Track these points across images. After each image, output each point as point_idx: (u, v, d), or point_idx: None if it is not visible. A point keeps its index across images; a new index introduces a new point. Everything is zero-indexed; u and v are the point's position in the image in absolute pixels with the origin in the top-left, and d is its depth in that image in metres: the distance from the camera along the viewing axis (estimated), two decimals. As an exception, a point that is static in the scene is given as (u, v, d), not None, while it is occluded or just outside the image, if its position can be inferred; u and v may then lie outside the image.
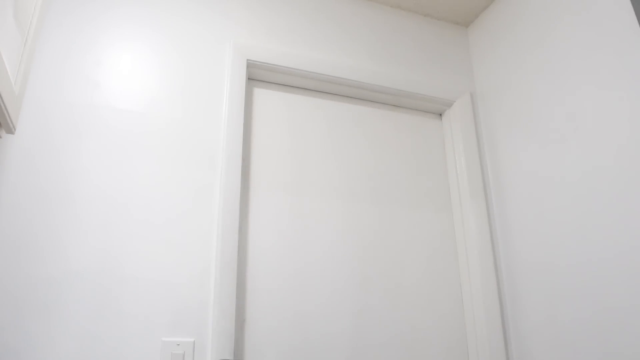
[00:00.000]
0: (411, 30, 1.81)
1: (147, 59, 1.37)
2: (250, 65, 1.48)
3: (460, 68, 1.82)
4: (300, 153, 1.50)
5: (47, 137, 1.19)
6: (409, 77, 1.70)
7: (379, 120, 1.67)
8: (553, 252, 1.38)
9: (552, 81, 1.46)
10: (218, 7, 1.51)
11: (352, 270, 1.43)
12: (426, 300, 1.50)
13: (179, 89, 1.37)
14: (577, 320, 1.27)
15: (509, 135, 1.61)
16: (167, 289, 1.18)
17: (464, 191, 1.62)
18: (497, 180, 1.63)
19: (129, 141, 1.27)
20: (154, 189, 1.25)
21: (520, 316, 1.46)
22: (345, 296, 1.40)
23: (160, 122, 1.32)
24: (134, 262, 1.17)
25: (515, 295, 1.49)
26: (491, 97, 1.72)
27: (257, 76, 1.53)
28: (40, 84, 1.22)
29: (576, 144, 1.35)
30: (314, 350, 1.30)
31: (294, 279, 1.35)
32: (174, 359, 1.13)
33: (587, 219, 1.28)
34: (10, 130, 1.00)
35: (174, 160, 1.30)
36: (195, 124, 1.36)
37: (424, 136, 1.73)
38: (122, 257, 1.17)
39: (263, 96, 1.53)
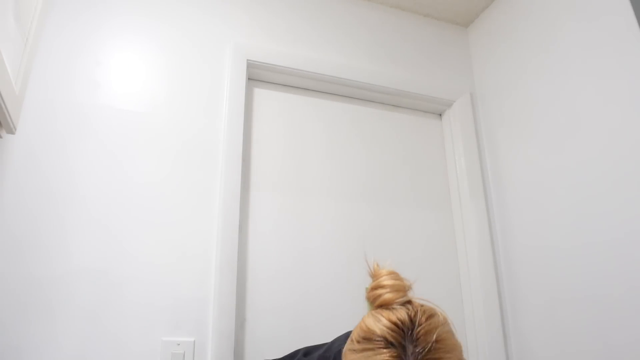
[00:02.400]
0: (411, 30, 1.81)
1: (148, 59, 1.37)
2: (250, 65, 1.48)
3: (460, 68, 1.82)
4: (300, 153, 1.50)
5: (47, 138, 1.19)
6: (409, 77, 1.70)
7: (379, 121, 1.67)
8: (553, 252, 1.38)
9: (552, 81, 1.46)
10: (218, 7, 1.51)
11: (352, 270, 1.43)
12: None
13: (179, 89, 1.37)
14: (577, 319, 1.27)
15: (509, 136, 1.61)
16: (167, 289, 1.18)
17: (464, 191, 1.62)
18: (497, 180, 1.63)
19: (130, 141, 1.27)
20: (154, 188, 1.25)
21: (520, 316, 1.46)
22: (346, 296, 1.40)
23: (160, 122, 1.32)
24: (135, 262, 1.17)
25: (515, 295, 1.49)
26: (491, 97, 1.72)
27: (257, 76, 1.53)
28: (41, 84, 1.22)
29: (576, 144, 1.35)
30: (314, 350, 1.31)
31: (294, 279, 1.35)
32: (174, 358, 1.13)
33: (587, 219, 1.28)
34: (11, 130, 1.01)
35: (174, 160, 1.30)
36: (196, 124, 1.36)
37: (424, 136, 1.73)
38: (123, 257, 1.17)
39: (263, 96, 1.53)
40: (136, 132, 1.28)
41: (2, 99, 0.87)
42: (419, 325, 0.57)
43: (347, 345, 0.63)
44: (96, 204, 1.18)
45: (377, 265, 0.70)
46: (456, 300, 1.54)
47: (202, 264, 1.24)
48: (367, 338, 0.58)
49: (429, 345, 0.55)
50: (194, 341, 1.17)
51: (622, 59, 1.24)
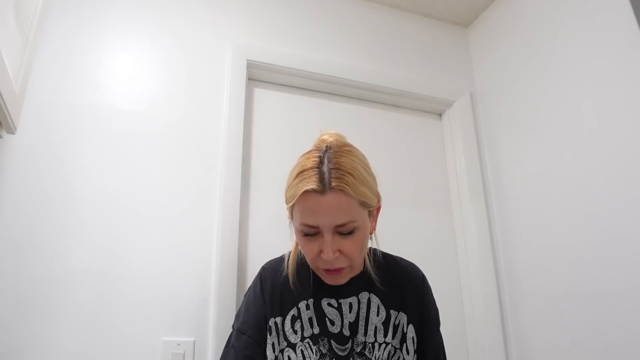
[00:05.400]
0: (411, 30, 1.81)
1: (148, 59, 1.37)
2: (250, 65, 1.48)
3: (460, 68, 1.82)
4: (300, 153, 1.50)
5: (48, 137, 1.19)
6: (409, 77, 1.70)
7: (379, 121, 1.67)
8: (553, 251, 1.38)
9: (552, 80, 1.46)
10: (218, 7, 1.51)
11: (352, 270, 1.43)
12: (426, 300, 1.49)
13: (179, 89, 1.37)
14: (577, 320, 1.27)
15: (509, 135, 1.61)
16: (167, 289, 1.18)
17: (464, 191, 1.62)
18: (497, 180, 1.64)
19: (130, 141, 1.27)
20: (155, 189, 1.25)
21: (520, 316, 1.46)
22: (345, 296, 1.40)
23: (160, 122, 1.32)
24: (135, 262, 1.17)
25: (515, 295, 1.49)
26: (491, 97, 1.72)
27: (257, 76, 1.53)
28: (41, 84, 1.22)
29: (576, 143, 1.35)
30: (314, 350, 1.30)
31: (294, 279, 1.35)
32: (174, 358, 1.13)
33: (586, 219, 1.28)
34: (11, 130, 1.01)
35: (174, 160, 1.30)
36: (196, 124, 1.36)
37: (424, 136, 1.73)
38: (123, 257, 1.17)
39: (263, 96, 1.53)
40: (136, 132, 1.28)
41: (2, 99, 0.87)
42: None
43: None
44: (96, 203, 1.18)
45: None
46: (456, 300, 1.54)
47: (202, 264, 1.24)
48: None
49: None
50: (194, 341, 1.17)
51: (621, 58, 1.24)
